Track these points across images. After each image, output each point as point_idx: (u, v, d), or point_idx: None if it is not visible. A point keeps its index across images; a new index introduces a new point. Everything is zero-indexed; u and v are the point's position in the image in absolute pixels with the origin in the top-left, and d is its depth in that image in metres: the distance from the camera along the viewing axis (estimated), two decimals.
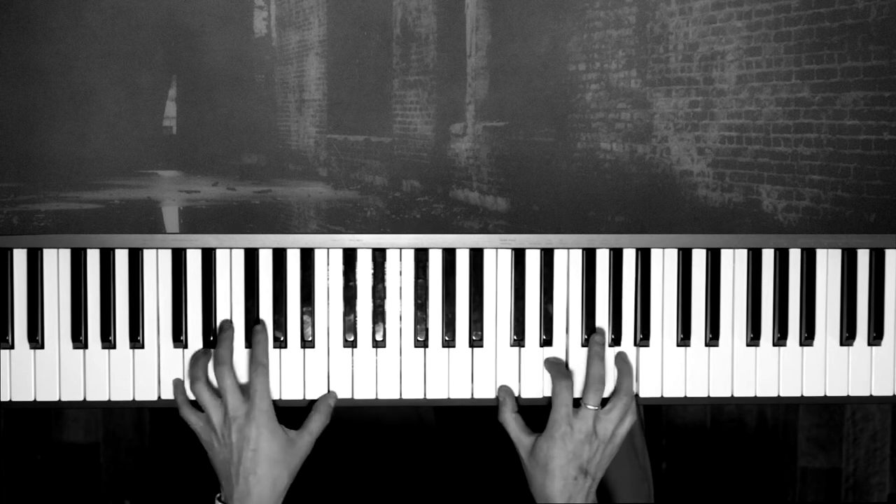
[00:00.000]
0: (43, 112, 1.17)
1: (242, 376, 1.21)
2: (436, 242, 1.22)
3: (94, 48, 1.17)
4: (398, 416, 1.40)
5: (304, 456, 1.16)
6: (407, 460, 1.39)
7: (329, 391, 1.21)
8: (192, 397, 1.19)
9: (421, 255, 1.22)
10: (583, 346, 1.23)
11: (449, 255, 1.22)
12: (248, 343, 1.21)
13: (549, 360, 1.22)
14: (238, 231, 1.20)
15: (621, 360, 1.22)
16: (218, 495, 1.15)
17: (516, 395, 1.22)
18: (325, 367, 1.22)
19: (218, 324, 1.21)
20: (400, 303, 1.22)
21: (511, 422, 1.19)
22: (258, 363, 1.16)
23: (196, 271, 1.21)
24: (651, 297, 1.23)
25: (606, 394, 1.20)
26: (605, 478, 1.35)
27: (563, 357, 1.22)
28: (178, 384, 1.20)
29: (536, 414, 1.20)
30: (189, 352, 1.20)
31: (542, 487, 1.15)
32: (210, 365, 1.18)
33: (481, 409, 1.22)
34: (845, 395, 1.25)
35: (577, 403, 1.18)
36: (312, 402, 1.22)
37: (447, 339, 1.22)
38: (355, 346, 1.22)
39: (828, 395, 1.25)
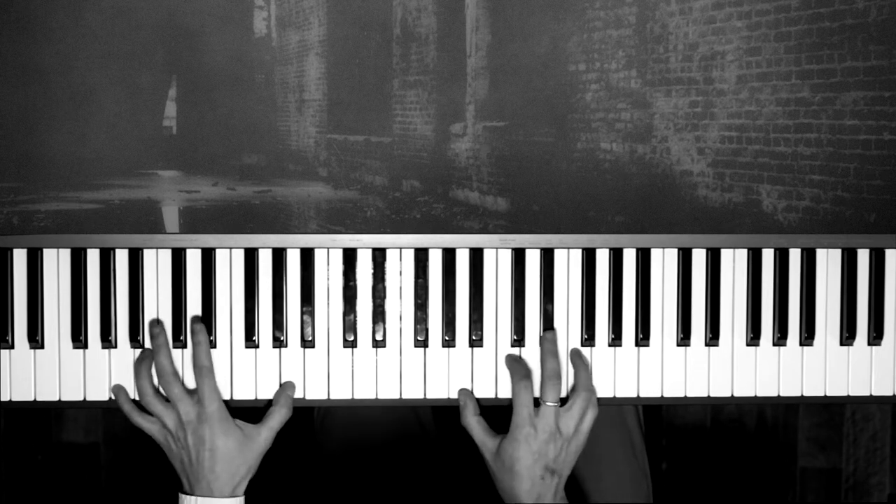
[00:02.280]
0: (43, 112, 1.17)
1: (243, 375, 1.21)
2: (436, 242, 1.22)
3: (94, 48, 1.17)
4: (398, 424, 1.40)
5: (264, 449, 1.17)
6: (408, 467, 1.39)
7: (287, 382, 1.21)
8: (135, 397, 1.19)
9: (421, 255, 1.22)
10: (583, 345, 1.23)
11: (449, 255, 1.22)
12: (249, 342, 1.21)
13: (509, 358, 1.22)
14: (238, 231, 1.20)
15: (576, 355, 1.22)
16: (181, 492, 1.16)
17: None
18: (325, 367, 1.22)
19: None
20: (400, 303, 1.22)
21: (475, 425, 1.19)
22: (201, 366, 1.16)
23: (196, 271, 1.21)
24: (651, 297, 1.23)
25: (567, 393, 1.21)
26: (604, 477, 1.35)
27: (563, 358, 1.22)
28: (120, 391, 1.19)
29: (502, 414, 1.20)
30: (189, 352, 1.20)
31: (511, 489, 1.15)
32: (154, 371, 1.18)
33: (481, 413, 1.21)
34: (845, 395, 1.25)
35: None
36: (312, 401, 1.22)
37: (447, 338, 1.22)
38: (355, 346, 1.22)
39: (828, 395, 1.25)
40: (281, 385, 1.21)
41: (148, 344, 1.20)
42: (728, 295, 1.24)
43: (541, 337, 1.21)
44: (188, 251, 1.21)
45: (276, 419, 1.18)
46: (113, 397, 1.20)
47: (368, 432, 1.38)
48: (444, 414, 1.44)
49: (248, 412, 1.20)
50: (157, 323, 1.20)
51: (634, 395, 1.24)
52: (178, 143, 1.20)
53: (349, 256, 1.22)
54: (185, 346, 1.21)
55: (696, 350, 1.24)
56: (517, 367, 1.20)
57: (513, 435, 1.15)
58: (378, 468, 1.38)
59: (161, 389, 1.17)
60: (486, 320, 1.22)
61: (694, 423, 2.14)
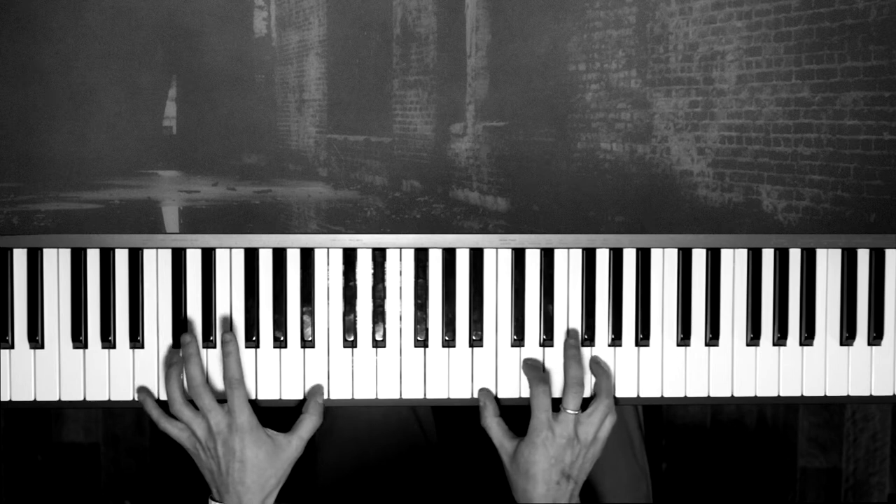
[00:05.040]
0: (43, 112, 1.17)
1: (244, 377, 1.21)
2: (436, 242, 1.22)
3: (94, 48, 1.17)
4: (399, 427, 1.39)
5: (294, 458, 1.16)
6: (409, 472, 1.39)
7: (314, 386, 1.21)
8: (163, 397, 1.19)
9: (421, 255, 1.22)
10: (583, 345, 1.23)
11: (449, 255, 1.22)
12: (249, 342, 1.21)
13: (526, 363, 1.22)
14: (238, 231, 1.20)
15: (595, 363, 1.22)
16: (211, 498, 1.16)
17: (516, 395, 1.22)
18: (325, 367, 1.22)
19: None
20: (400, 303, 1.22)
21: (494, 427, 1.18)
22: (231, 379, 1.15)
23: (196, 271, 1.21)
24: (651, 297, 1.23)
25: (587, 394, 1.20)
26: (604, 477, 1.35)
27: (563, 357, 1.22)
28: (146, 397, 1.18)
29: (521, 414, 1.20)
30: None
31: (525, 492, 1.15)
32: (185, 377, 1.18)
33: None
34: (845, 395, 1.25)
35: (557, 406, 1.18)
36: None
37: (447, 339, 1.22)
38: (355, 346, 1.22)
39: (828, 395, 1.25)
40: (309, 392, 1.21)
41: (148, 343, 1.20)
42: (728, 295, 1.24)
43: (565, 342, 1.21)
44: (188, 251, 1.21)
45: (307, 427, 1.17)
46: (136, 398, 1.19)
47: (369, 436, 1.38)
48: (445, 417, 1.43)
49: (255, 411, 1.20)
50: (189, 335, 1.18)
51: (634, 395, 1.24)
52: (178, 143, 1.20)
53: (349, 256, 1.22)
54: None
55: (696, 350, 1.24)
56: (534, 371, 1.20)
57: (530, 438, 1.15)
58: (379, 473, 1.38)
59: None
60: (486, 320, 1.22)
61: (694, 423, 2.14)
